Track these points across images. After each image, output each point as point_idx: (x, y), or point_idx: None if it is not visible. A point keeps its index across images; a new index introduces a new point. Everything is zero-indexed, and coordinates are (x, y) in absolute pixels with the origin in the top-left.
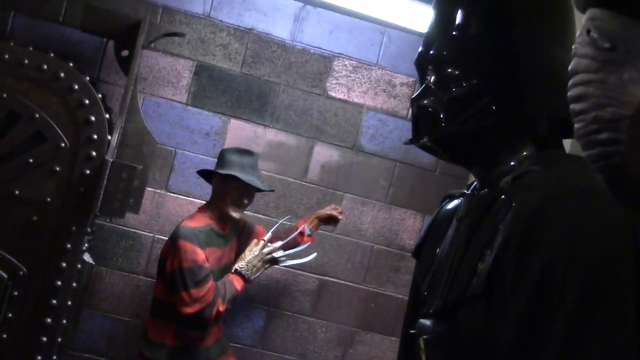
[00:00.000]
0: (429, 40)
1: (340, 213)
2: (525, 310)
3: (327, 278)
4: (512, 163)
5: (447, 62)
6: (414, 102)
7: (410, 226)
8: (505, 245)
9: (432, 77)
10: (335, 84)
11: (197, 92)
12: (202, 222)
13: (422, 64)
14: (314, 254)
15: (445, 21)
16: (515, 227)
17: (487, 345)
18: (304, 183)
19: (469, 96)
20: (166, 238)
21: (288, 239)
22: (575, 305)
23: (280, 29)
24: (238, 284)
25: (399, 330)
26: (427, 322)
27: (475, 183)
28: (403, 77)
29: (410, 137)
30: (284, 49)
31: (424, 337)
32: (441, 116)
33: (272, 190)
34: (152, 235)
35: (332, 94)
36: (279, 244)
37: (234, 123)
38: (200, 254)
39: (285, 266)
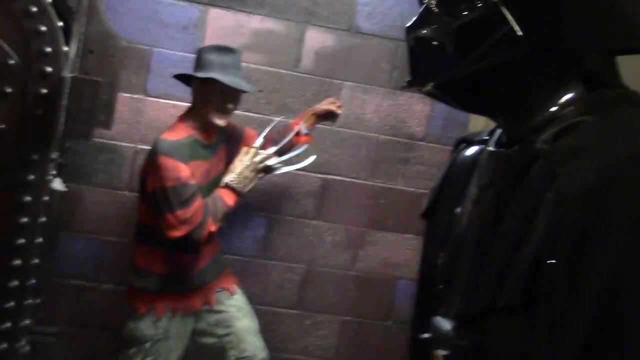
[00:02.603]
0: None
1: (339, 107)
2: (587, 334)
3: (330, 176)
4: (551, 110)
5: None
6: (410, 31)
7: (419, 111)
8: (551, 242)
9: None
10: None
11: None
12: (183, 134)
13: None
14: (313, 157)
15: None
16: (565, 219)
17: None
18: (297, 74)
19: (485, 21)
20: (149, 148)
21: (283, 142)
22: None
23: None
24: (229, 199)
25: (412, 227)
26: (445, 326)
27: (500, 133)
28: None
29: (408, 76)
30: None
31: (444, 353)
32: (449, 52)
33: (260, 91)
34: (133, 145)
35: None
36: (272, 149)
37: (214, 12)
38: (184, 170)
39: (281, 173)
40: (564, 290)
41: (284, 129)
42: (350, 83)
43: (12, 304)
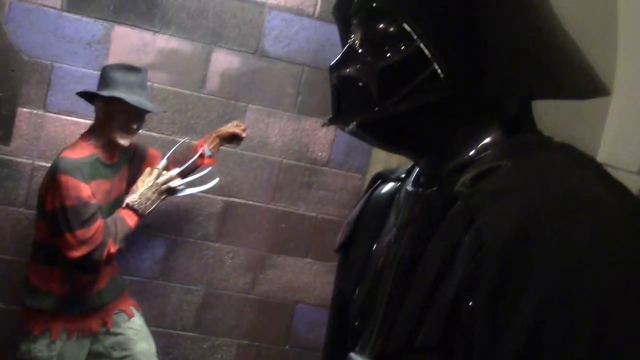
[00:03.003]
0: None
1: (244, 130)
2: None
3: (232, 199)
4: (470, 153)
5: (379, 13)
6: (334, 70)
7: (323, 137)
8: (470, 286)
9: (358, 35)
10: None
11: None
12: (85, 152)
13: (344, 14)
14: (216, 180)
15: None
16: (485, 263)
17: None
18: (202, 95)
19: (409, 64)
20: (48, 165)
21: (186, 164)
22: None
23: None
24: (131, 220)
25: (313, 252)
26: None
27: (417, 172)
28: None
29: (331, 112)
30: None
31: None
32: (372, 92)
33: (165, 111)
34: (31, 162)
35: None
36: (175, 171)
37: (119, 30)
38: (85, 190)
39: (184, 195)
40: (484, 333)
41: (188, 151)
42: (255, 106)
43: None
